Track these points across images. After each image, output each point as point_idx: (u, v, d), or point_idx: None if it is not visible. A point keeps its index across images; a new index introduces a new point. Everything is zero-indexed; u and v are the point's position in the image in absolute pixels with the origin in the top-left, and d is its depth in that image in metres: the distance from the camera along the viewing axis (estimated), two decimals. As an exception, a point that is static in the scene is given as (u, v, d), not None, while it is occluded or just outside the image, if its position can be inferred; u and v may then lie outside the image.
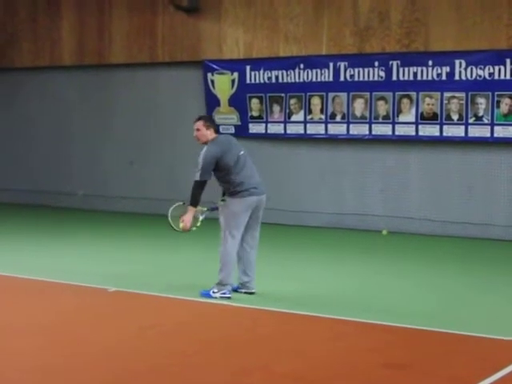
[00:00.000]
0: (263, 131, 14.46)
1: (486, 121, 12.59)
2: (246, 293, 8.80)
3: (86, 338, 7.14)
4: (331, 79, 13.73)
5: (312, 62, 13.84)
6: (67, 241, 12.80)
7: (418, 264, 10.87)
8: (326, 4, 13.72)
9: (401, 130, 13.29)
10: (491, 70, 12.42)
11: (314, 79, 13.87)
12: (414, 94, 13.06)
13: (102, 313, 8.18)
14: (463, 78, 12.65)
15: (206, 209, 8.74)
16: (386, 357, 6.62)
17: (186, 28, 15.11)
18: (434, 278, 9.93)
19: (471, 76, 12.58)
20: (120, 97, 16.30)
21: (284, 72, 14.10)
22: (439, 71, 12.83)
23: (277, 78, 14.19)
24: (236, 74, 14.58)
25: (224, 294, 8.59)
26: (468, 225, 12.96)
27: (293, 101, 14.14)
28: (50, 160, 17.18)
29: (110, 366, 6.37)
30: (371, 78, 13.38)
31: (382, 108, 13.38)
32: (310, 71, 13.89)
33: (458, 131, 12.86)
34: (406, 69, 13.05)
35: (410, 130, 13.21)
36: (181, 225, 8.71)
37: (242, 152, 8.71)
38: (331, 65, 13.68)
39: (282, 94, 14.21)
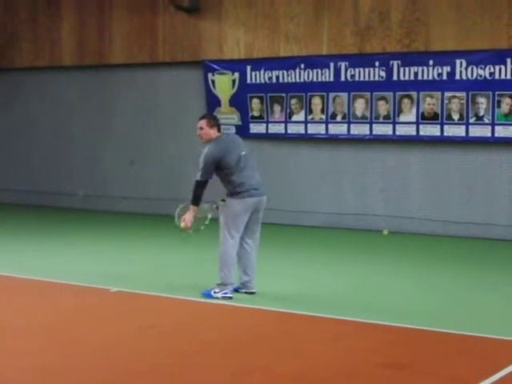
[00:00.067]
0: (264, 131, 14.46)
1: (486, 120, 12.59)
2: (246, 293, 8.80)
3: (86, 338, 7.14)
4: (332, 79, 13.72)
5: (312, 61, 13.83)
6: (67, 241, 12.80)
7: (419, 264, 10.87)
8: (327, 4, 13.72)
9: (401, 130, 13.29)
10: (492, 70, 12.41)
11: (314, 79, 13.86)
12: (414, 94, 13.05)
13: (102, 313, 8.18)
14: (464, 77, 12.65)
15: (215, 206, 8.71)
16: (385, 357, 6.61)
17: (186, 28, 15.11)
18: (434, 278, 9.93)
19: (472, 76, 12.58)
20: (120, 97, 16.30)
21: (285, 72, 14.10)
22: (440, 71, 12.82)
23: (277, 78, 14.18)
24: (237, 74, 14.57)
25: (226, 293, 8.59)
26: (469, 224, 12.95)
27: (293, 101, 14.14)
28: (50, 160, 17.18)
29: (110, 366, 6.36)
30: (372, 78, 13.38)
31: (383, 108, 13.37)
32: (310, 71, 13.88)
33: (458, 131, 12.85)
34: (407, 69, 13.05)
35: (410, 130, 13.20)
36: (182, 224, 8.70)
37: (243, 152, 8.70)
38: (332, 65, 13.68)
39: (283, 94, 14.20)
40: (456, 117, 12.81)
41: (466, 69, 12.60)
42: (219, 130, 8.80)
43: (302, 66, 13.91)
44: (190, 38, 15.08)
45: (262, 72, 14.31)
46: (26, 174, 17.50)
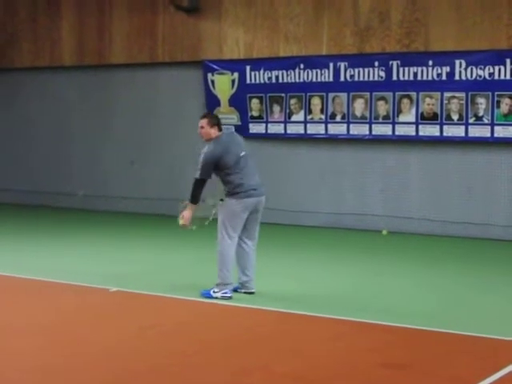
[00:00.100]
0: (263, 131, 14.47)
1: (486, 121, 12.59)
2: (245, 293, 8.81)
3: (86, 338, 7.15)
4: (331, 79, 13.73)
5: (312, 62, 13.84)
6: (67, 241, 12.80)
7: (418, 264, 10.88)
8: (326, 4, 13.72)
9: (401, 130, 13.29)
10: (491, 70, 12.42)
11: (314, 79, 13.87)
12: (414, 94, 13.06)
13: (103, 313, 8.19)
14: (463, 78, 12.65)
15: (219, 202, 8.73)
16: (385, 357, 6.62)
17: (186, 28, 15.11)
18: (433, 278, 9.93)
19: (471, 76, 12.58)
20: (120, 97, 16.30)
21: (284, 72, 14.10)
22: (439, 71, 12.83)
23: (277, 78, 14.19)
24: (236, 74, 14.58)
25: (225, 293, 8.60)
26: (468, 225, 12.96)
27: (293, 101, 14.15)
28: (50, 160, 17.18)
29: (110, 366, 6.37)
30: (371, 78, 13.38)
31: (382, 108, 13.38)
32: (310, 71, 13.89)
33: (458, 131, 12.86)
34: (406, 69, 13.05)
35: (410, 130, 13.21)
36: (180, 221, 8.73)
37: (243, 153, 8.70)
38: (331, 65, 13.68)
39: (282, 94, 14.21)
40: (455, 117, 12.81)
41: (466, 69, 12.60)
42: (220, 130, 8.82)
43: (302, 66, 13.92)
44: (189, 37, 15.09)
45: (261, 72, 14.32)
46: (25, 174, 17.50)
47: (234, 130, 14.00)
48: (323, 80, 13.79)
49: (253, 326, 7.66)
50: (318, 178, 14.22)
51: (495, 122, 12.52)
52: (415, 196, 13.43)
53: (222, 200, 8.70)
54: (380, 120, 13.42)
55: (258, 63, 14.34)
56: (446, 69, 12.75)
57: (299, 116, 14.12)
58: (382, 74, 13.26)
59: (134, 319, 7.86)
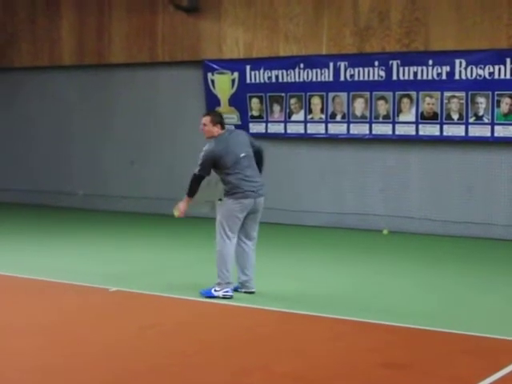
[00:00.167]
0: (263, 131, 14.45)
1: (486, 120, 12.59)
2: (245, 292, 8.81)
3: (86, 338, 7.14)
4: (331, 79, 13.72)
5: (312, 61, 13.83)
6: (67, 240, 12.80)
7: (419, 264, 10.87)
8: (326, 4, 13.72)
9: (401, 130, 13.29)
10: (491, 70, 12.41)
11: (314, 79, 13.86)
12: (414, 94, 13.05)
13: (103, 312, 8.18)
14: (463, 77, 12.64)
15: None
16: (386, 357, 6.62)
17: (185, 28, 15.10)
18: (434, 278, 9.93)
19: (471, 75, 12.57)
20: (120, 97, 16.29)
21: (284, 72, 14.09)
22: (439, 71, 12.82)
23: (277, 77, 14.18)
24: (236, 74, 14.57)
25: (227, 292, 8.60)
26: (468, 224, 12.95)
27: (293, 100, 14.14)
28: (50, 160, 17.18)
29: (110, 366, 6.37)
30: (371, 78, 13.38)
31: (382, 108, 13.37)
32: (310, 71, 13.88)
33: (458, 131, 12.85)
34: (406, 68, 13.05)
35: (410, 130, 13.20)
36: (175, 213, 8.81)
37: (242, 154, 8.66)
38: (331, 64, 13.67)
39: (282, 94, 14.20)
40: (455, 116, 12.81)
41: (466, 69, 12.60)
42: (222, 128, 8.80)
43: (302, 65, 13.91)
44: (189, 37, 15.08)
45: (261, 72, 14.31)
46: (25, 174, 17.49)
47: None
48: (323, 80, 13.78)
49: (253, 326, 7.66)
50: (318, 177, 14.21)
51: (495, 121, 12.51)
52: (415, 196, 13.42)
53: (220, 200, 8.70)
54: (380, 120, 13.41)
55: (257, 63, 14.33)
56: (446, 68, 12.74)
57: (299, 116, 14.11)
58: (382, 73, 13.25)
59: (133, 319, 7.86)
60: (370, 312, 8.10)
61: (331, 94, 13.77)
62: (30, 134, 17.38)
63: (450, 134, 12.92)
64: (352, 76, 13.53)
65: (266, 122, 14.41)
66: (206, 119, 8.76)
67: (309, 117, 14.03)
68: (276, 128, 14.35)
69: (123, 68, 16.09)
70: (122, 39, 15.83)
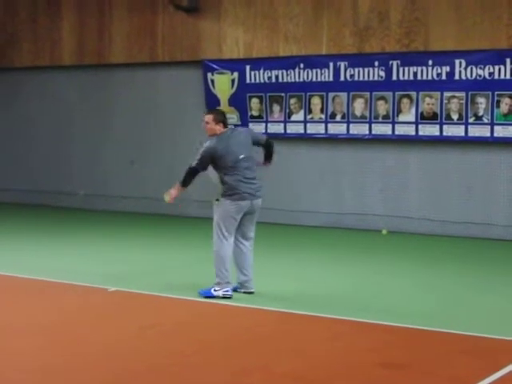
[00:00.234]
0: (263, 131, 14.43)
1: (485, 120, 12.59)
2: (245, 292, 8.82)
3: (85, 338, 7.15)
4: (331, 79, 13.72)
5: (312, 61, 13.84)
6: (67, 240, 12.80)
7: (418, 264, 10.87)
8: (326, 4, 13.72)
9: (401, 130, 13.29)
10: (491, 70, 12.42)
11: (313, 79, 13.87)
12: (413, 94, 13.06)
13: (102, 313, 8.19)
14: (463, 77, 12.65)
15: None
16: (385, 357, 6.62)
17: (185, 28, 15.11)
18: (433, 278, 9.93)
19: (471, 76, 12.58)
20: (120, 97, 16.30)
21: (284, 72, 14.10)
22: (439, 71, 12.83)
23: (277, 77, 14.19)
24: (236, 74, 14.57)
25: (227, 291, 8.61)
26: (468, 224, 12.96)
27: (293, 100, 14.15)
28: (50, 160, 17.18)
29: (110, 366, 6.38)
30: (371, 78, 13.38)
31: (382, 108, 13.38)
32: (309, 71, 13.88)
33: (457, 131, 12.86)
34: (406, 68, 13.05)
35: (409, 130, 13.21)
36: (166, 198, 8.94)
37: (242, 156, 8.65)
38: (331, 64, 13.68)
39: (282, 94, 14.21)
40: (455, 117, 12.81)
41: (466, 69, 12.60)
42: (225, 126, 8.81)
43: (302, 65, 13.92)
44: (189, 37, 15.09)
45: (261, 72, 14.32)
46: (25, 174, 17.50)
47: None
48: (323, 80, 13.79)
49: (252, 326, 7.66)
50: (317, 177, 14.22)
51: (495, 121, 12.52)
52: (415, 196, 13.43)
53: (217, 200, 8.72)
54: (380, 120, 13.42)
55: (257, 63, 14.33)
56: (446, 68, 12.75)
57: (299, 116, 14.12)
58: (382, 73, 13.26)
59: (133, 319, 7.86)
60: (369, 312, 8.11)
61: (331, 94, 13.78)
62: (30, 133, 17.39)
63: (449, 134, 12.92)
64: (352, 76, 13.54)
65: (266, 122, 14.41)
66: (209, 117, 8.78)
67: (308, 117, 14.03)
68: (276, 128, 14.35)
69: (123, 68, 16.09)
70: (122, 39, 15.84)
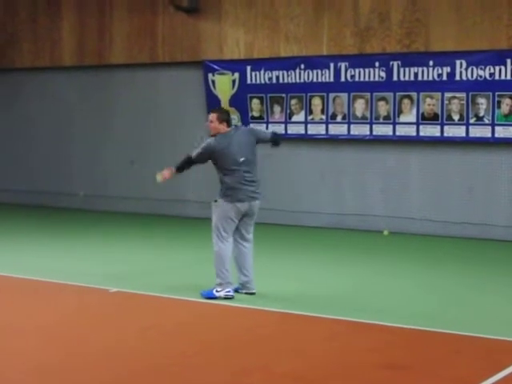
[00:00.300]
0: (264, 131, 14.45)
1: (486, 121, 12.58)
2: (246, 293, 8.81)
3: (86, 339, 7.14)
4: (332, 80, 13.72)
5: (313, 62, 13.83)
6: (67, 241, 12.79)
7: (419, 264, 10.86)
8: (327, 5, 13.71)
9: (401, 131, 13.28)
10: (492, 71, 12.40)
11: (314, 80, 13.86)
12: (414, 95, 13.04)
13: (103, 313, 8.18)
14: (464, 78, 12.64)
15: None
16: (386, 357, 6.61)
17: (186, 28, 15.10)
18: (434, 279, 9.92)
19: (472, 76, 12.57)
20: (120, 97, 16.29)
21: (285, 72, 14.09)
22: (440, 71, 12.81)
23: (277, 78, 14.18)
24: (237, 75, 14.56)
25: (228, 292, 8.61)
26: (469, 225, 12.94)
27: (293, 101, 14.13)
28: (50, 160, 17.17)
29: (111, 366, 6.37)
30: (372, 79, 13.37)
31: (383, 108, 13.36)
32: (310, 72, 13.88)
33: (458, 131, 12.85)
34: (407, 69, 13.04)
35: (410, 131, 13.20)
36: (158, 178, 9.06)
37: (242, 159, 8.64)
38: (332, 65, 13.67)
39: (283, 95, 14.20)
40: (456, 117, 12.80)
41: (466, 69, 12.59)
42: (229, 126, 8.82)
43: (302, 66, 13.91)
44: (189, 38, 15.08)
45: (262, 72, 14.31)
46: (25, 174, 17.49)
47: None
48: (324, 80, 13.78)
49: (253, 327, 7.65)
50: (318, 178, 14.20)
51: (496, 122, 12.51)
52: (416, 196, 13.42)
53: (215, 201, 8.71)
54: (381, 120, 13.40)
55: (258, 63, 14.32)
56: (447, 69, 12.74)
57: (300, 116, 14.11)
58: (383, 74, 13.25)
59: (134, 320, 7.85)
60: (370, 312, 8.09)
61: (332, 95, 13.77)
62: (30, 134, 17.38)
63: (450, 134, 12.91)
64: (352, 77, 13.53)
65: (267, 122, 14.40)
66: (213, 116, 8.82)
67: (309, 117, 14.02)
68: (276, 129, 14.28)
69: (123, 68, 16.09)
70: (122, 40, 15.83)
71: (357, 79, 13.50)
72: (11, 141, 17.69)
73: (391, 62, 13.13)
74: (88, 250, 11.96)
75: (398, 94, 13.19)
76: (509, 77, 12.29)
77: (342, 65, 13.57)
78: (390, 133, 13.37)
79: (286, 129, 14.23)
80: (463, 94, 12.67)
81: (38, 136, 17.28)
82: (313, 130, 14.04)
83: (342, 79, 13.61)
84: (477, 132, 12.69)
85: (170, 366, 6.33)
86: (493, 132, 12.56)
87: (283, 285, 9.47)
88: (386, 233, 13.35)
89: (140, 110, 16.02)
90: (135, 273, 10.17)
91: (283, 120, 14.25)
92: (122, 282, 9.49)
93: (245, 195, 8.61)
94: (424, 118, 13.04)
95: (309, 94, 13.95)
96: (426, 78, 12.92)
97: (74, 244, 12.53)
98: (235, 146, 8.66)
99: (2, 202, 17.38)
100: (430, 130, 13.03)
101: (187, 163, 8.91)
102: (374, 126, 13.47)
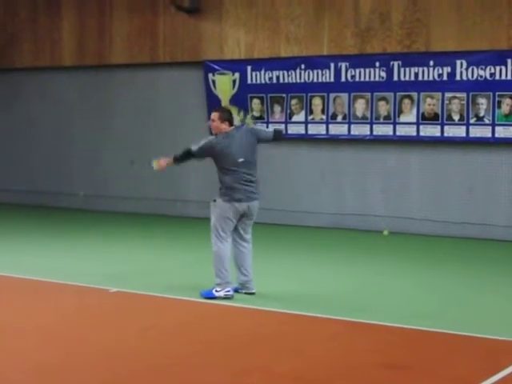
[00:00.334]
0: (264, 132, 14.44)
1: (487, 121, 12.58)
2: (246, 293, 8.81)
3: (86, 339, 7.14)
4: (332, 80, 13.72)
5: (313, 62, 13.83)
6: (67, 241, 12.79)
7: (419, 264, 10.86)
8: (327, 5, 13.71)
9: (402, 131, 13.28)
10: (492, 71, 12.40)
11: (315, 80, 13.86)
12: (415, 95, 13.04)
13: (103, 313, 8.18)
14: (464, 78, 12.64)
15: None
16: (386, 357, 6.61)
17: (186, 28, 15.09)
18: (434, 279, 9.92)
19: (472, 76, 12.57)
20: (120, 97, 16.29)
21: (285, 72, 14.09)
22: (440, 71, 12.81)
23: (278, 78, 14.18)
24: (237, 75, 14.56)
25: (228, 291, 8.61)
26: (469, 225, 12.94)
27: (294, 101, 14.13)
28: (50, 160, 17.17)
29: (111, 366, 6.36)
30: (372, 79, 13.37)
31: (383, 108, 13.36)
32: (311, 72, 13.88)
33: (459, 131, 12.84)
34: (407, 69, 13.04)
35: (411, 131, 13.20)
36: (154, 164, 9.02)
37: (241, 159, 8.63)
38: (332, 65, 13.67)
39: (283, 95, 14.20)
40: (456, 117, 12.80)
41: (467, 69, 12.59)
42: (231, 125, 8.82)
43: (303, 66, 13.91)
44: (190, 38, 15.07)
45: (262, 72, 14.30)
46: (25, 174, 17.48)
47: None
48: (324, 80, 13.78)
49: (253, 327, 7.65)
50: (318, 178, 14.20)
51: (496, 122, 12.51)
52: (416, 196, 13.42)
53: (214, 201, 8.71)
54: (381, 120, 13.40)
55: (258, 63, 14.32)
56: (447, 69, 12.74)
57: (300, 116, 14.11)
58: (383, 74, 13.25)
59: (134, 320, 7.85)
60: (371, 313, 8.09)
61: (332, 95, 13.77)
62: (30, 134, 17.38)
63: (450, 134, 12.91)
64: (353, 77, 13.53)
65: (267, 122, 14.39)
66: (215, 115, 8.83)
67: (309, 117, 14.02)
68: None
69: (124, 68, 16.08)
70: (122, 40, 15.83)
71: (357, 79, 13.50)
72: (11, 141, 17.68)
73: (391, 62, 13.13)
74: (88, 250, 11.96)
75: (398, 94, 13.19)
76: (509, 77, 12.29)
77: (343, 65, 13.57)
78: (391, 133, 13.37)
79: (286, 129, 14.23)
80: (463, 94, 12.67)
81: (38, 136, 17.28)
82: (313, 129, 14.04)
83: (343, 79, 13.61)
84: (477, 132, 12.69)
85: (169, 366, 6.33)
86: (493, 132, 12.56)
87: (283, 285, 9.47)
88: (386, 233, 13.35)
89: (140, 110, 16.02)
90: (135, 273, 10.16)
91: (283, 120, 14.25)
92: (122, 281, 9.49)
93: (243, 195, 8.61)
94: (424, 118, 13.04)
95: (309, 94, 13.95)
96: (426, 78, 12.91)
97: (74, 244, 12.53)
98: (236, 146, 8.66)
99: (2, 202, 17.37)
100: (431, 130, 13.03)
101: (186, 156, 8.90)
102: (374, 125, 13.47)
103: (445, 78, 12.77)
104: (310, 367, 6.32)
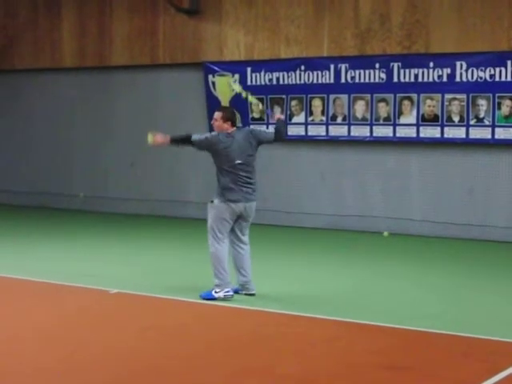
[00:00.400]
0: (264, 133, 14.44)
1: (486, 122, 12.59)
2: (246, 294, 8.81)
3: (86, 340, 7.14)
4: (332, 81, 13.73)
5: (313, 63, 13.84)
6: (67, 242, 12.79)
7: (419, 265, 10.86)
8: (327, 6, 13.72)
9: (402, 132, 13.29)
10: (492, 72, 12.41)
11: (314, 81, 13.87)
12: (414, 96, 13.06)
13: (103, 314, 8.18)
14: (464, 79, 12.65)
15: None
16: (386, 359, 6.61)
17: (186, 30, 15.11)
18: (434, 280, 9.92)
19: (472, 78, 12.58)
20: (121, 99, 16.29)
21: (285, 74, 14.10)
22: (440, 73, 12.82)
23: (278, 79, 14.19)
24: (237, 76, 14.57)
25: (228, 292, 8.61)
26: (469, 226, 12.95)
27: (294, 102, 14.14)
28: (51, 162, 17.18)
29: (111, 367, 6.36)
30: (372, 80, 13.38)
31: (383, 110, 13.37)
32: (310, 73, 13.89)
33: (459, 133, 12.85)
34: (407, 70, 13.05)
35: (410, 132, 13.21)
36: (150, 139, 8.95)
37: (239, 161, 8.64)
38: (332, 66, 13.68)
39: (283, 96, 14.21)
40: (456, 119, 12.81)
41: (467, 71, 12.60)
42: (233, 125, 8.83)
43: (303, 67, 13.92)
44: (190, 39, 15.09)
45: (262, 74, 14.31)
46: (26, 176, 17.49)
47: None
48: (324, 82, 13.79)
49: (254, 328, 7.65)
50: (318, 179, 14.21)
51: (496, 123, 12.52)
52: (416, 198, 13.42)
53: (212, 201, 8.72)
54: (381, 122, 13.42)
55: (258, 65, 14.33)
56: (447, 70, 12.75)
57: (300, 117, 14.12)
58: (383, 75, 13.26)
59: (134, 321, 7.85)
60: (371, 314, 8.09)
61: (332, 96, 13.79)
62: (31, 135, 17.39)
63: (450, 136, 12.92)
64: (353, 78, 13.54)
65: (267, 124, 14.40)
66: (218, 115, 8.85)
67: (309, 119, 14.03)
68: (276, 130, 14.32)
69: (124, 70, 16.09)
70: (122, 41, 15.84)
71: (357, 81, 13.51)
72: (12, 142, 17.69)
73: (391, 64, 13.14)
74: (88, 251, 11.97)
75: (398, 95, 13.20)
76: (509, 78, 12.30)
77: (343, 66, 13.58)
78: (390, 134, 13.38)
79: (286, 130, 14.22)
80: (463, 96, 12.68)
81: (38, 137, 17.29)
82: (313, 131, 14.05)
83: (343, 81, 13.63)
84: (477, 133, 12.70)
85: (169, 367, 6.33)
86: (493, 133, 12.57)
87: (283, 286, 9.47)
88: (386, 234, 13.35)
89: (140, 112, 16.02)
90: (135, 274, 10.16)
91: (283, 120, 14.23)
92: (122, 283, 9.49)
93: (240, 196, 8.61)
94: (424, 120, 13.05)
95: (309, 96, 13.96)
96: (426, 79, 12.93)
97: (74, 245, 12.54)
98: (235, 147, 8.67)
99: (2, 203, 17.38)
100: (430, 132, 13.04)
101: (184, 140, 8.88)
102: (374, 127, 13.48)
103: (445, 79, 12.79)
104: (309, 368, 6.32)
